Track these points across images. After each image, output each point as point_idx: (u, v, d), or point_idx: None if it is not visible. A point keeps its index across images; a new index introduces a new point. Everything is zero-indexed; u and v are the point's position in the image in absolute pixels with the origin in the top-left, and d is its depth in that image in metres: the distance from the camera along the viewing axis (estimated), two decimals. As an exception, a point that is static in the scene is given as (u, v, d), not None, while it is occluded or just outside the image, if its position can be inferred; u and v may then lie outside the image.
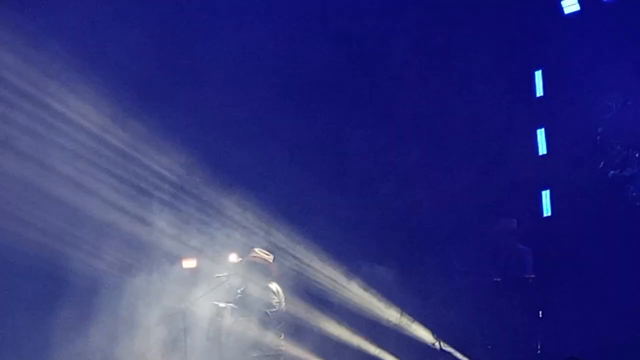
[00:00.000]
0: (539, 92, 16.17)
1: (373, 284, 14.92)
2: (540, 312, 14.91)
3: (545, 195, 15.67)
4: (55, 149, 14.50)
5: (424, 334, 14.60)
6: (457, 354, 14.14)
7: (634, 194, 14.98)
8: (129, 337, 14.86)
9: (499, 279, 15.04)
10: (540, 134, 15.86)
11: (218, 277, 14.44)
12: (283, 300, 14.03)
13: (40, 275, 15.28)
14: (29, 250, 14.54)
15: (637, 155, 15.02)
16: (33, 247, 14.55)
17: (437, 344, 14.45)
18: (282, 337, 14.16)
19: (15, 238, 14.39)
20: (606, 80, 15.25)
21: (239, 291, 14.24)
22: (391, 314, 14.84)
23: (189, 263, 15.19)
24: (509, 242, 15.24)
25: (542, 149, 15.84)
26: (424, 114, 16.16)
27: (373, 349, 14.82)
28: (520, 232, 15.27)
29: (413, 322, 14.59)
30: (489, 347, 14.51)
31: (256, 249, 14.24)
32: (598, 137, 15.35)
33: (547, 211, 15.68)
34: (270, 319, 13.88)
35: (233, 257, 15.02)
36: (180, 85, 15.63)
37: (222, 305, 14.00)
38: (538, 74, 16.21)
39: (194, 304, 14.49)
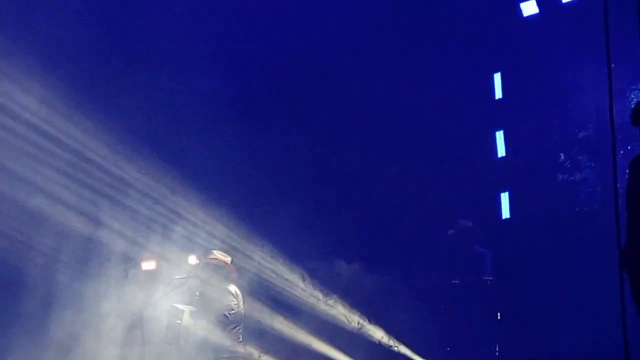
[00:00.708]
0: (498, 94, 16.21)
1: (331, 285, 14.89)
2: (499, 315, 14.93)
3: (504, 197, 15.72)
4: (2, 146, 14.30)
5: (383, 336, 14.58)
6: (415, 357, 14.14)
7: (582, 198, 15.10)
8: (88, 342, 14.75)
9: (457, 281, 15.06)
10: (499, 136, 15.90)
11: (177, 279, 14.39)
12: (242, 302, 13.99)
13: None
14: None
15: (586, 160, 15.12)
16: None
17: (395, 346, 14.44)
18: (241, 340, 14.11)
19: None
20: (565, 82, 15.32)
21: (197, 293, 14.18)
22: (350, 316, 14.82)
23: (148, 265, 15.10)
24: (467, 244, 15.27)
25: (501, 151, 15.88)
26: (381, 116, 16.15)
27: (332, 351, 14.79)
28: (479, 234, 15.30)
29: (371, 324, 14.57)
30: (448, 349, 14.52)
31: (214, 251, 14.19)
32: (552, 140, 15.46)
33: (505, 213, 15.73)
34: (228, 322, 13.82)
35: (192, 259, 14.95)
36: (132, 74, 15.41)
37: (181, 307, 13.93)
38: (497, 77, 16.26)
39: (152, 307, 14.42)
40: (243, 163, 15.48)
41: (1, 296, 15.22)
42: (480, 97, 16.24)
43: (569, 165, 15.38)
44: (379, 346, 14.62)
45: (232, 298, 13.86)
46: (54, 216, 14.82)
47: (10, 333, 14.95)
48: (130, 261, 14.93)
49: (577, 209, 15.23)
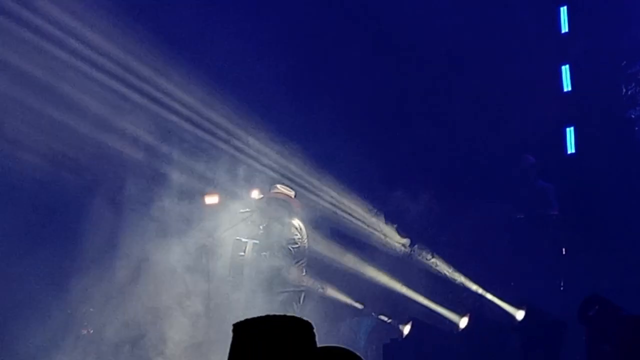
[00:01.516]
0: (564, 28, 15.99)
1: (397, 219, 14.88)
2: (564, 249, 14.87)
3: (570, 132, 15.56)
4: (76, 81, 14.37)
5: (448, 271, 14.59)
6: (481, 291, 14.13)
7: None
8: (150, 275, 14.88)
9: (521, 216, 14.99)
10: (565, 70, 15.71)
11: (241, 212, 14.46)
12: (305, 236, 14.04)
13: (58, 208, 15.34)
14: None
15: None
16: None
17: (459, 281, 14.45)
18: (304, 274, 14.20)
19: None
20: (634, 15, 15.09)
21: (261, 227, 14.27)
22: (416, 250, 14.82)
23: (211, 199, 15.17)
24: (532, 179, 15.17)
25: (567, 86, 15.70)
26: (452, 54, 16.05)
27: (396, 284, 14.84)
28: (544, 169, 15.18)
29: (435, 257, 14.57)
30: (512, 284, 14.48)
31: (278, 185, 14.23)
32: (623, 75, 15.26)
33: (571, 148, 15.58)
34: (292, 255, 13.90)
35: (255, 194, 15.00)
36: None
37: (244, 240, 14.03)
38: (563, 10, 16.03)
39: (216, 241, 14.52)
40: (310, 97, 15.40)
41: (66, 232, 15.43)
42: (546, 31, 16.03)
43: (635, 100, 15.17)
44: (444, 280, 14.64)
45: (295, 232, 13.92)
46: (122, 151, 14.94)
47: (77, 269, 15.17)
48: (193, 196, 15.00)
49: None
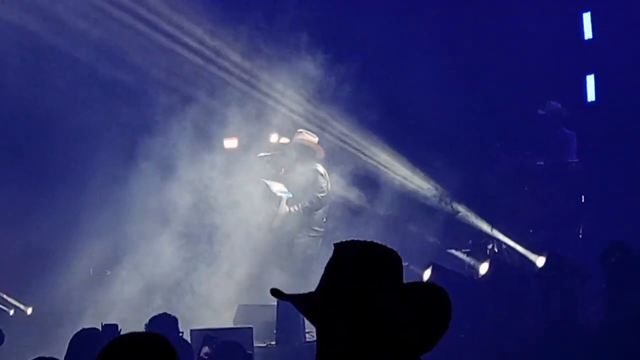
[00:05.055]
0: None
1: (422, 167, 14.91)
2: (583, 197, 14.91)
3: (590, 79, 15.53)
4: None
5: (469, 217, 14.65)
6: (500, 236, 14.18)
7: None
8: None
9: (541, 163, 15.00)
10: (587, 17, 15.63)
11: (260, 156, 14.52)
12: (329, 182, 14.13)
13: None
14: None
15: None
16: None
17: (478, 226, 14.52)
18: (324, 220, 14.31)
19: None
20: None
21: (282, 170, 14.35)
22: (441, 199, 14.86)
23: (230, 143, 15.20)
24: (555, 125, 15.11)
25: (588, 34, 15.64)
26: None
27: (421, 230, 14.95)
28: (568, 116, 15.14)
29: (461, 206, 14.63)
30: (531, 231, 14.55)
31: (302, 131, 14.26)
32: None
33: (591, 96, 15.56)
34: (320, 203, 14.00)
35: (274, 137, 15.02)
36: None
37: (277, 193, 14.06)
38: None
39: (234, 184, 14.59)
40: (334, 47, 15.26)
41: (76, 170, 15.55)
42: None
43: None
44: (465, 226, 14.70)
45: (322, 179, 14.00)
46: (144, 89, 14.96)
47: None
48: (212, 139, 15.00)
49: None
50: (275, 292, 3.93)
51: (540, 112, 15.04)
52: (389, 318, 3.88)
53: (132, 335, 4.27)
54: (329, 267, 3.95)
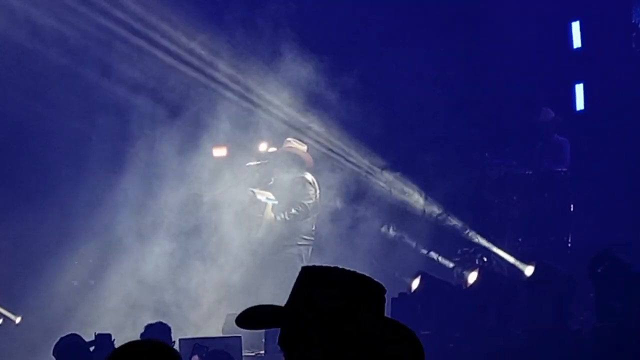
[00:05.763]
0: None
1: (411, 176, 14.92)
2: (572, 206, 14.92)
3: (579, 88, 15.56)
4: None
5: (456, 224, 14.65)
6: (488, 245, 14.19)
7: None
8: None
9: (530, 172, 14.98)
10: (575, 26, 15.67)
11: (249, 165, 14.50)
12: (318, 190, 14.10)
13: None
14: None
15: None
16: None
17: (467, 233, 14.52)
18: (314, 228, 14.27)
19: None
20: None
21: (272, 179, 14.31)
22: (426, 205, 14.87)
23: (219, 151, 15.19)
24: (551, 133, 15.08)
25: (577, 43, 15.67)
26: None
27: (409, 240, 14.94)
28: (560, 124, 15.13)
29: (449, 215, 14.64)
30: (520, 240, 14.56)
31: (291, 139, 14.25)
32: (634, 34, 15.25)
33: (580, 105, 15.59)
34: (307, 211, 13.96)
35: (263, 146, 15.02)
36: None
37: (256, 193, 14.06)
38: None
39: (224, 193, 14.56)
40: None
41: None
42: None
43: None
44: (453, 235, 14.71)
45: (309, 187, 13.97)
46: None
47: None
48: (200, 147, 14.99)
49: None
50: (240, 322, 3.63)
51: (535, 119, 15.06)
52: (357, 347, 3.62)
53: (137, 343, 4.35)
54: (296, 292, 3.68)
